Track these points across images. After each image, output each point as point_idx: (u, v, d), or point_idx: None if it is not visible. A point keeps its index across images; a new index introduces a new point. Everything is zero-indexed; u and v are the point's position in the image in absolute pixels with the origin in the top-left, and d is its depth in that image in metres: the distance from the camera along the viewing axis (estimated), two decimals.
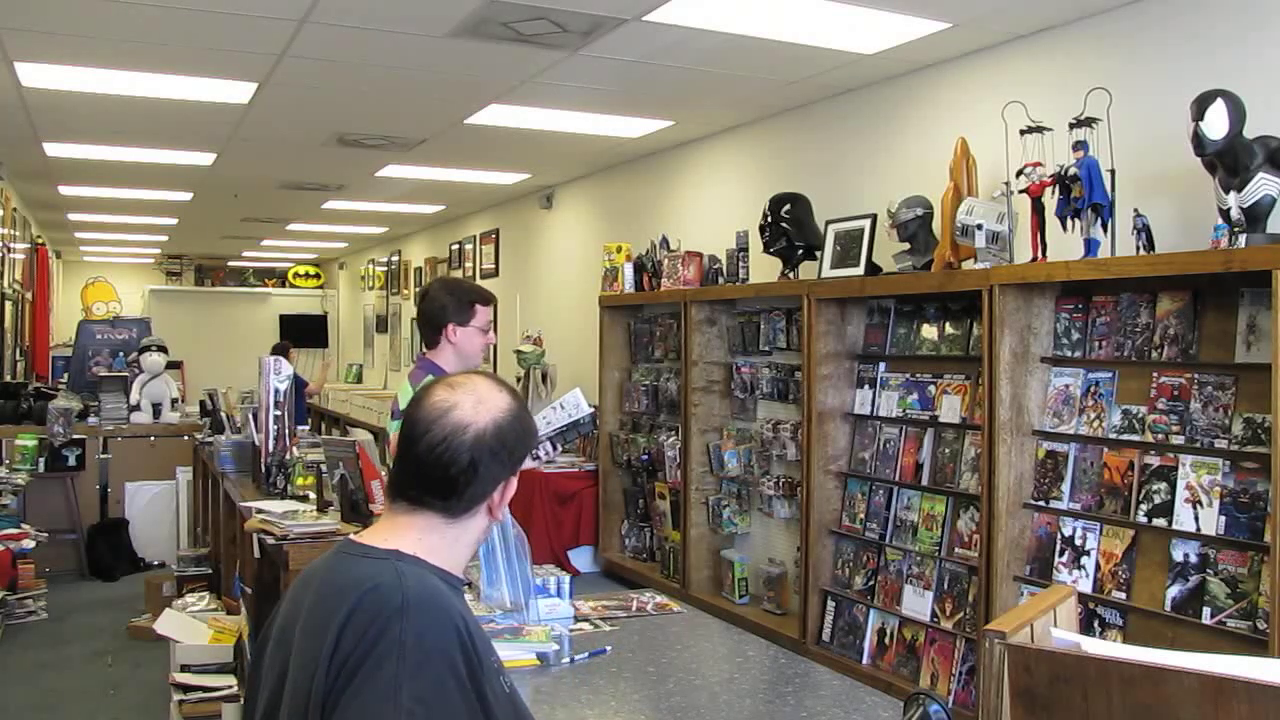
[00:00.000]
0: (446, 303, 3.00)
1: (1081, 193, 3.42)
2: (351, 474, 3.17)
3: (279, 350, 10.11)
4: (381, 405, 9.59)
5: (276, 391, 4.27)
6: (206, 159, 7.11)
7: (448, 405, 1.45)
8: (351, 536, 1.50)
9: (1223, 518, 3.14)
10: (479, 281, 9.75)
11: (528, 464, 3.19)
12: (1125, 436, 3.48)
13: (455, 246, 10.61)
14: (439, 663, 1.28)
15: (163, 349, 7.30)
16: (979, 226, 3.78)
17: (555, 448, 3.09)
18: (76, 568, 6.84)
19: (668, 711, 2.01)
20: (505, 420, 1.46)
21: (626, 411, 6.54)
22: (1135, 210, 3.35)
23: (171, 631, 3.81)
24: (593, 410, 3.10)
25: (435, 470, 1.43)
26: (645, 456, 6.25)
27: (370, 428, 9.10)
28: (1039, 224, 3.67)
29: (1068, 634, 1.36)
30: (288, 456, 4.11)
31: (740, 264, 5.41)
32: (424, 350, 3.11)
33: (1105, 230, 3.43)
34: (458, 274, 10.48)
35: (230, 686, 3.48)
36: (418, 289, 11.95)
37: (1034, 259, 3.68)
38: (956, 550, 4.08)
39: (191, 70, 4.81)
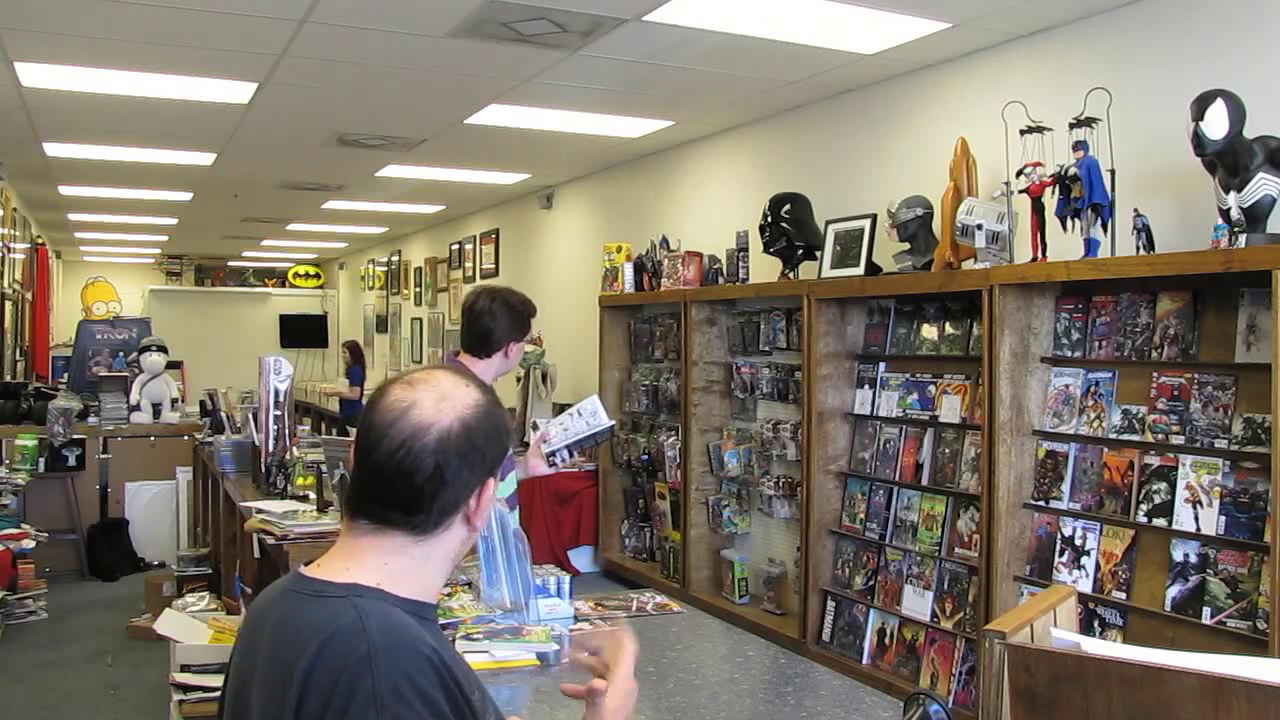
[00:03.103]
0: (510, 323, 3.03)
1: (1081, 193, 3.42)
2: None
3: (352, 347, 10.50)
4: None
5: (276, 391, 4.26)
6: (206, 159, 7.11)
7: (406, 405, 1.26)
8: (302, 570, 1.30)
9: (1223, 518, 3.14)
10: (479, 282, 9.76)
11: (544, 470, 3.19)
12: (1125, 436, 3.48)
13: (455, 246, 10.61)
14: (422, 709, 1.14)
15: (163, 349, 7.29)
16: (979, 226, 3.78)
17: (571, 454, 3.10)
18: (76, 568, 6.84)
19: (668, 711, 2.01)
20: (473, 417, 1.28)
21: (626, 411, 6.53)
22: (1135, 210, 3.35)
23: (171, 631, 3.80)
24: (613, 423, 3.11)
25: (397, 481, 1.25)
26: (645, 456, 6.25)
27: None
28: (1039, 224, 3.67)
29: (1068, 634, 1.36)
30: (288, 456, 4.11)
31: (740, 264, 5.41)
32: (458, 352, 3.10)
33: (1105, 230, 3.43)
34: (458, 275, 10.48)
35: None
36: (415, 287, 11.96)
37: (1034, 259, 3.68)
38: (956, 550, 4.08)
39: (191, 70, 4.81)
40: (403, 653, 1.16)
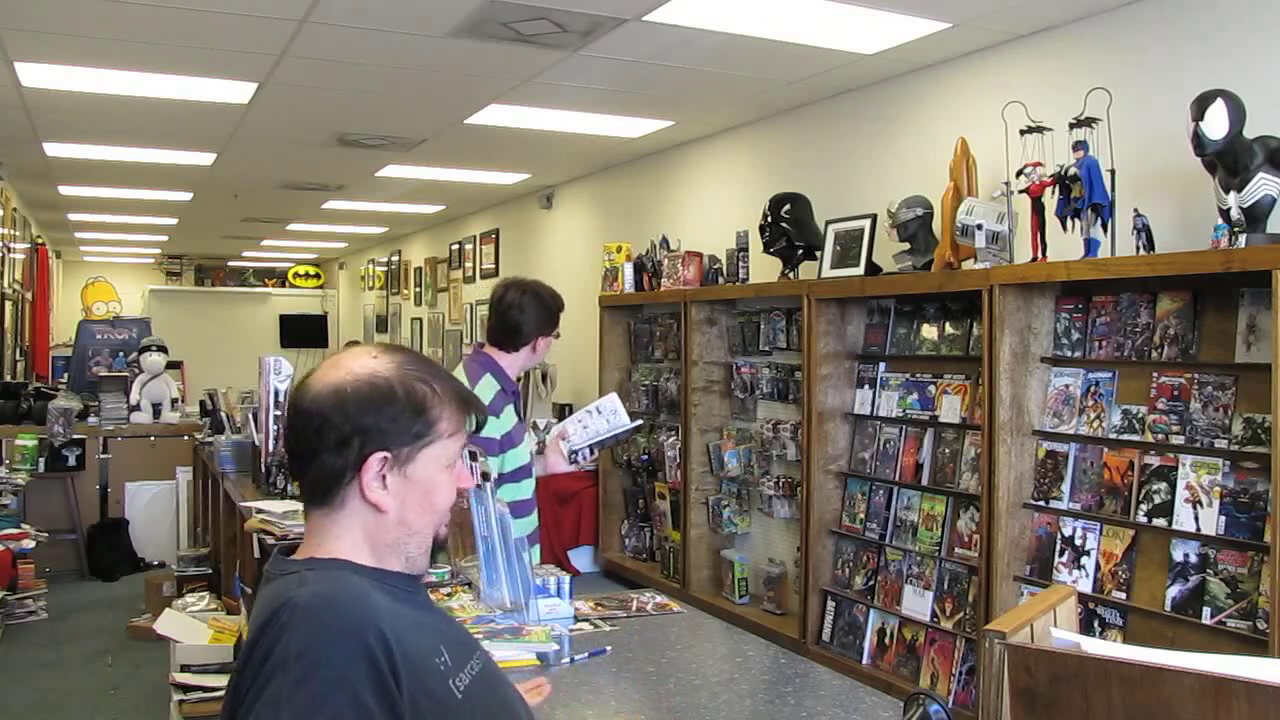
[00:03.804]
0: (539, 317, 3.00)
1: (1081, 193, 3.42)
2: None
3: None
4: None
5: (276, 391, 4.26)
6: (206, 159, 7.11)
7: (309, 376, 1.31)
8: (278, 552, 1.35)
9: (1223, 518, 3.14)
10: (478, 282, 9.77)
11: (564, 467, 3.17)
12: (1125, 436, 3.48)
13: (455, 246, 10.61)
14: (327, 677, 1.13)
15: (163, 349, 7.29)
16: (979, 226, 3.78)
17: (592, 451, 3.09)
18: (76, 568, 6.84)
19: (668, 711, 2.01)
20: (350, 384, 1.25)
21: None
22: (1135, 210, 3.35)
23: (171, 631, 3.80)
24: (639, 423, 3.09)
25: (290, 451, 1.29)
26: (645, 456, 6.25)
27: None
28: (1039, 224, 3.67)
29: (1068, 634, 1.36)
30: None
31: (740, 264, 5.41)
32: (484, 344, 3.06)
33: (1105, 230, 3.43)
34: (458, 275, 10.48)
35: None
36: (415, 287, 11.95)
37: (1034, 259, 3.68)
38: (956, 550, 4.07)
39: (191, 70, 4.81)
40: (325, 619, 1.16)
